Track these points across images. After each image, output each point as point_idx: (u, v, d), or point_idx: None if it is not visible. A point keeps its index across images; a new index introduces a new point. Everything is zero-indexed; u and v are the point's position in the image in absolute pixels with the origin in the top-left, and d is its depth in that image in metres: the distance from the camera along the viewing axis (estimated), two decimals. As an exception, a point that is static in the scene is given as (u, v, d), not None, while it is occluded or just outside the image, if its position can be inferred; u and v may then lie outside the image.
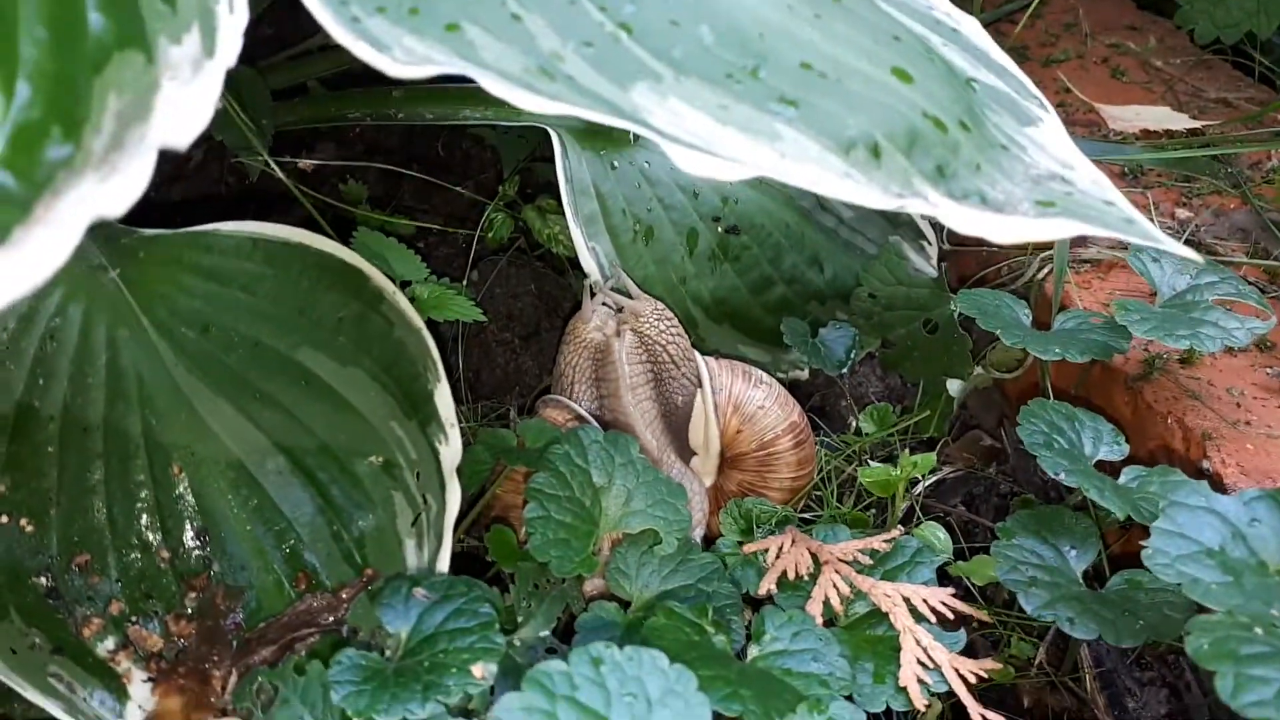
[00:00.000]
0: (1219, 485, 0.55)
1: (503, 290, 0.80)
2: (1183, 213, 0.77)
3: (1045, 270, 0.70)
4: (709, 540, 0.63)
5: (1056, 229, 0.37)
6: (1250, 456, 0.56)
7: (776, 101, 0.38)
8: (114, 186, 0.29)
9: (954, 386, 0.70)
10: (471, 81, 0.35)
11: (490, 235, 0.78)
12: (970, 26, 0.46)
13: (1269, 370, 0.62)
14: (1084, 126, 0.88)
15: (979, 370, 0.70)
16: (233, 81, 0.76)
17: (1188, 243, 0.73)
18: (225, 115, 0.78)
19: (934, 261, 0.77)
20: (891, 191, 0.37)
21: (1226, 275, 0.58)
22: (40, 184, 0.28)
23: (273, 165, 0.67)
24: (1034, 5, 1.01)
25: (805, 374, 0.75)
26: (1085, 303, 0.67)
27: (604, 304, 0.65)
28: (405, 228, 0.83)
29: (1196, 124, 0.85)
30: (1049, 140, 0.42)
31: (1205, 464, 0.56)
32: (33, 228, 0.27)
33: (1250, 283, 0.69)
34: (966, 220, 0.36)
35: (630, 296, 0.66)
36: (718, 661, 0.43)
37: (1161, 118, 0.86)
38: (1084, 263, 0.72)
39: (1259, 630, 0.37)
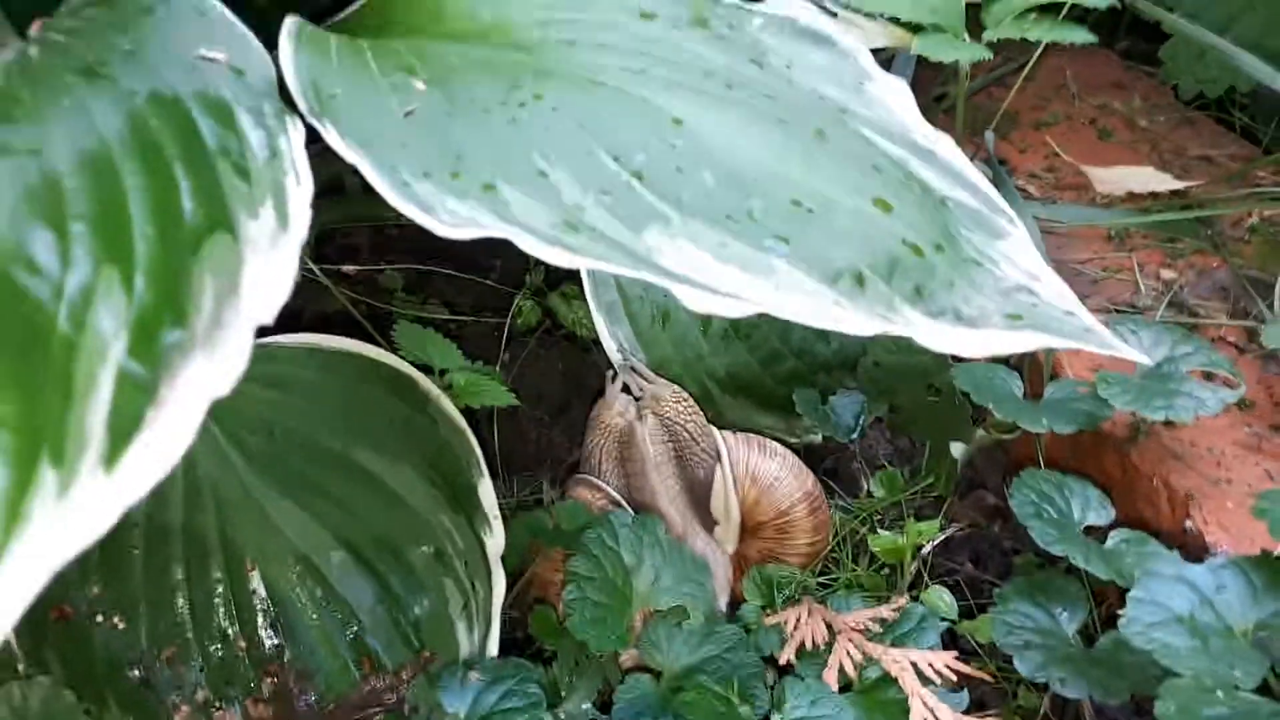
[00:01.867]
0: (1200, 543, 0.60)
1: (533, 370, 0.86)
2: (1167, 273, 0.81)
3: (1037, 338, 0.75)
4: (734, 603, 0.68)
5: (1024, 342, 0.42)
6: (1229, 515, 0.61)
7: (771, 238, 0.43)
8: (219, 363, 0.35)
9: (957, 449, 0.75)
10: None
11: (520, 321, 0.84)
12: (944, 147, 0.51)
13: (1248, 428, 0.67)
14: (1073, 190, 0.93)
15: (980, 433, 0.74)
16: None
17: (1172, 304, 0.78)
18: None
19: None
20: (876, 314, 0.42)
21: (1200, 346, 0.63)
22: (160, 368, 0.34)
23: (316, 271, 0.73)
24: (1027, 69, 1.06)
25: (819, 438, 0.81)
26: (1075, 370, 0.72)
27: (625, 390, 0.71)
28: (438, 316, 0.89)
29: (1179, 184, 0.90)
30: (1017, 253, 0.47)
31: (1188, 523, 0.61)
32: (161, 409, 0.33)
33: (1229, 342, 0.74)
34: (943, 338, 0.42)
35: (649, 380, 0.72)
36: (745, 730, 0.48)
37: (1145, 179, 0.91)
38: (1074, 328, 0.77)
39: (1220, 693, 0.42)
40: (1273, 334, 0.66)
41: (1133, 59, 1.15)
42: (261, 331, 0.65)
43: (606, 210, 0.43)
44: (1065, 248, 0.85)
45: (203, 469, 0.59)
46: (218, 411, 0.62)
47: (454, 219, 0.41)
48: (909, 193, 0.47)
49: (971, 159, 0.89)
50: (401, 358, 0.65)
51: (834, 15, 0.71)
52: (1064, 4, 0.69)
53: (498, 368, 0.82)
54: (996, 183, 0.83)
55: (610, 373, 0.71)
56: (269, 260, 0.40)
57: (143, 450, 0.32)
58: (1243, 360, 0.73)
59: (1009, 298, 0.45)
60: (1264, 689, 0.45)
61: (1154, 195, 0.90)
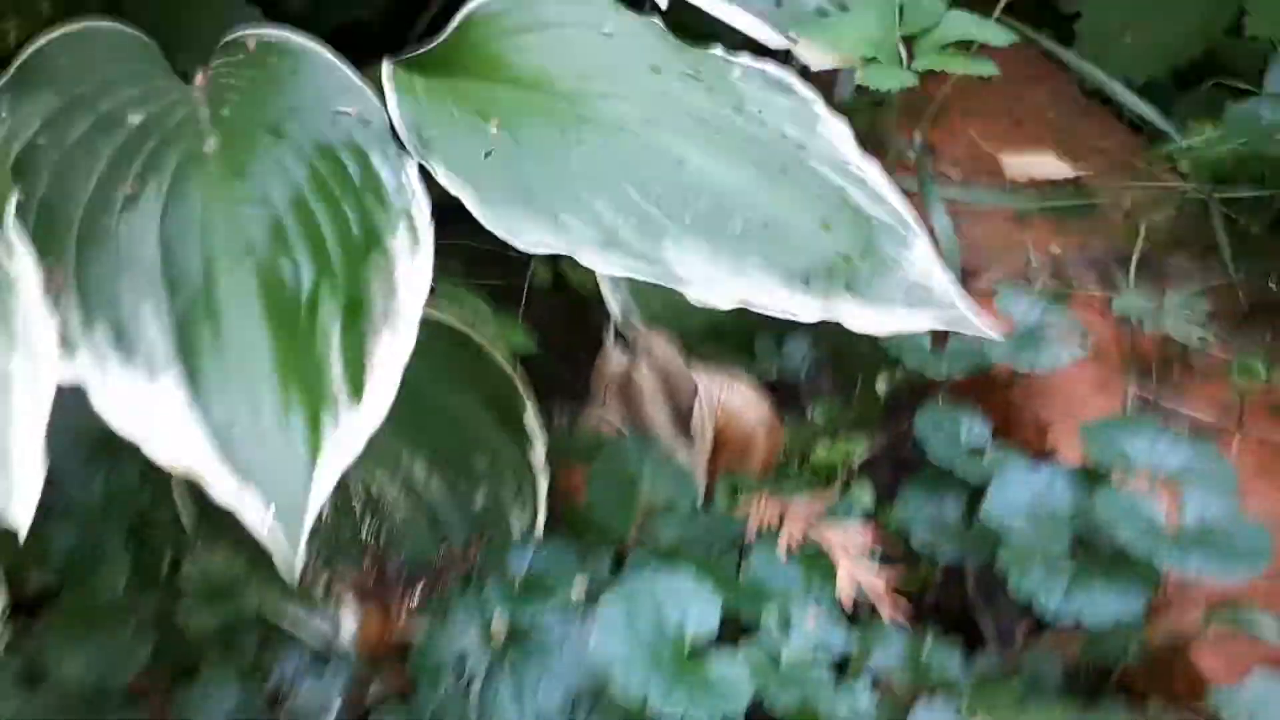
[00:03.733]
0: (1054, 458, 0.82)
1: (545, 323, 1.06)
2: (1054, 248, 1.03)
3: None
4: (707, 499, 0.89)
5: (919, 321, 0.63)
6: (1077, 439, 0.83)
7: (747, 250, 0.63)
8: (397, 338, 0.54)
9: (881, 384, 0.96)
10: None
11: (534, 281, 1.04)
12: (872, 174, 0.71)
13: (1098, 375, 0.89)
14: (990, 175, 1.13)
15: (899, 373, 0.96)
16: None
17: (1055, 275, 0.99)
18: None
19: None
20: (820, 305, 0.62)
21: (1063, 312, 0.84)
22: (364, 344, 0.54)
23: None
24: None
25: (775, 376, 1.02)
26: (974, 326, 0.93)
27: (621, 342, 0.92)
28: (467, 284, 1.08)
29: (1073, 172, 1.10)
30: (918, 258, 0.67)
31: (1048, 443, 0.83)
32: (372, 372, 0.52)
33: (1096, 307, 0.96)
34: (864, 320, 0.62)
35: (643, 333, 0.92)
36: (723, 581, 0.70)
37: (1046, 166, 1.11)
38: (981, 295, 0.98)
39: (1039, 554, 0.64)
40: (1121, 304, 0.88)
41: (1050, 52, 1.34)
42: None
43: (633, 230, 0.63)
44: (976, 225, 1.06)
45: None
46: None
47: (530, 240, 0.61)
48: (844, 214, 0.67)
49: (905, 150, 1.09)
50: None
51: (794, 42, 0.90)
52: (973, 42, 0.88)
53: (519, 321, 1.02)
54: (919, 174, 1.04)
55: (608, 330, 0.92)
56: (411, 267, 0.59)
57: (369, 396, 0.51)
58: (1104, 320, 0.94)
59: (910, 292, 0.65)
60: (1074, 551, 0.67)
61: (1052, 182, 1.11)
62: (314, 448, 0.50)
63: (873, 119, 1.13)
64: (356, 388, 0.52)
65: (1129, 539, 0.63)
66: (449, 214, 0.61)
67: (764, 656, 0.64)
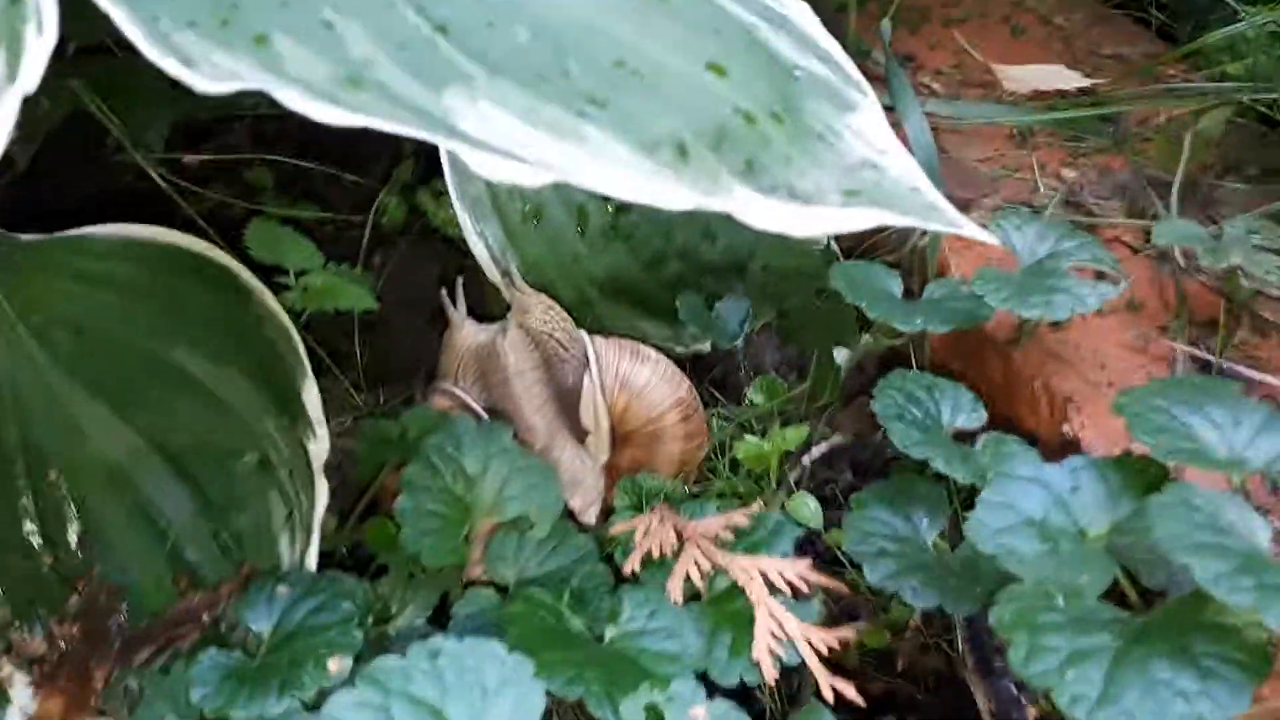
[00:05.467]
0: (1077, 448, 0.57)
1: (405, 274, 0.81)
2: (1068, 172, 0.78)
3: (926, 238, 0.71)
4: (607, 514, 0.64)
5: (858, 219, 0.38)
6: (1109, 419, 0.58)
7: (586, 102, 0.38)
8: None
9: (841, 355, 0.71)
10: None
11: (385, 220, 0.78)
12: (798, 12, 0.46)
13: (1134, 330, 0.64)
14: (979, 88, 0.89)
15: (866, 338, 0.71)
16: (125, 70, 0.76)
17: (1068, 203, 0.74)
18: (127, 107, 0.78)
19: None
20: (699, 189, 0.38)
21: (1084, 240, 0.59)
22: None
23: (143, 162, 0.67)
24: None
25: (707, 347, 0.77)
26: (963, 269, 0.68)
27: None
28: (309, 216, 0.83)
29: (1087, 82, 0.86)
30: (865, 126, 0.43)
31: (1066, 428, 0.58)
32: None
33: (1124, 243, 0.71)
34: (770, 215, 0.37)
35: (519, 288, 0.67)
36: (568, 645, 0.45)
37: (1053, 77, 0.87)
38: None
39: (1061, 600, 0.39)
40: (1163, 230, 0.63)
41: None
42: (73, 221, 0.59)
43: (401, 67, 0.38)
44: (966, 146, 0.81)
45: (2, 368, 0.54)
46: (20, 305, 0.57)
47: (215, 72, 0.36)
48: (751, 58, 0.42)
49: (871, 54, 0.84)
50: (250, 261, 0.59)
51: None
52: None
53: (362, 271, 0.77)
54: (889, 75, 0.79)
55: (444, 292, 0.67)
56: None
57: None
58: (1136, 261, 0.69)
59: (851, 174, 0.40)
60: (1115, 593, 0.42)
61: (1061, 93, 0.86)
62: None
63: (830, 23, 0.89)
64: None
65: (1212, 575, 0.38)
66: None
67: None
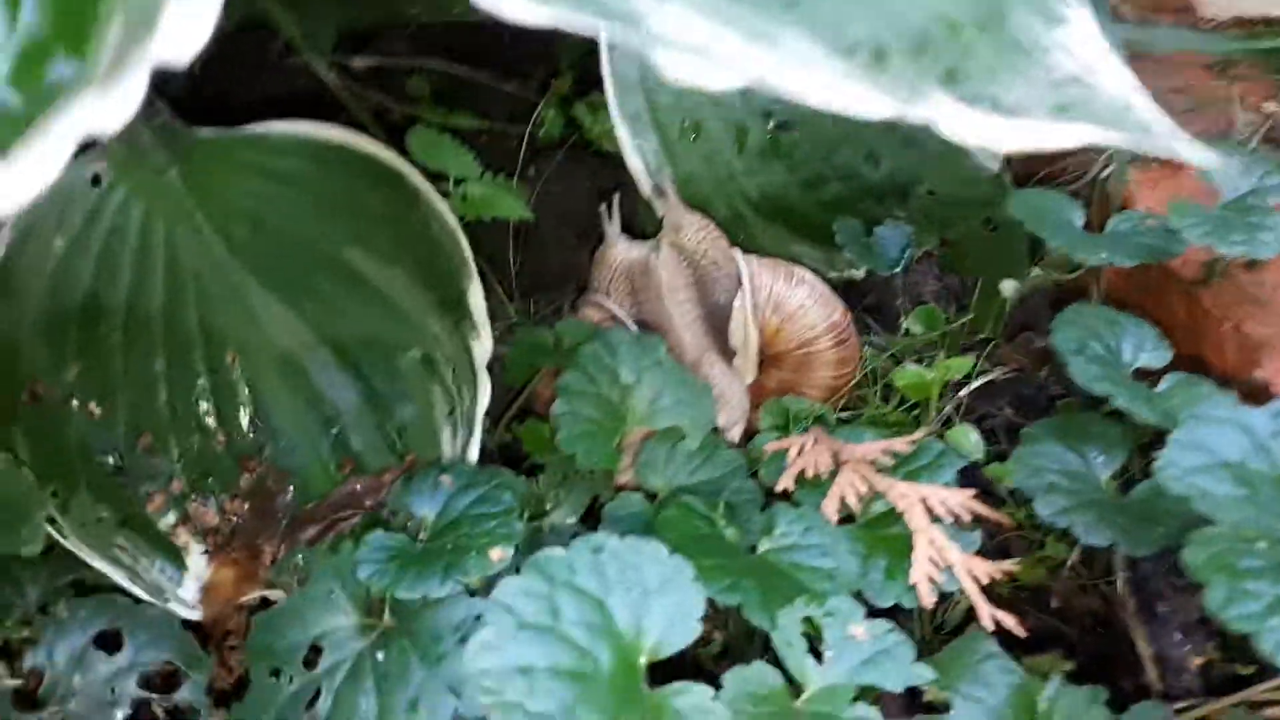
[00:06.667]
0: (1267, 397, 0.53)
1: (559, 188, 0.81)
2: (1271, 106, 0.72)
3: (1110, 168, 0.67)
4: (750, 436, 0.64)
5: (1068, 134, 0.36)
6: (1307, 366, 0.54)
7: (778, 2, 0.37)
8: (111, 104, 0.30)
9: (1008, 287, 0.68)
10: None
11: (542, 133, 0.78)
12: (1008, -90, 0.43)
13: (1340, 275, 0.59)
14: (1174, 13, 0.82)
15: (1036, 271, 0.68)
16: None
17: (1268, 139, 0.69)
18: (296, 12, 0.79)
19: (999, 158, 0.74)
20: (898, 96, 0.36)
21: (1293, 175, 0.55)
22: (42, 102, 0.30)
23: (315, 64, 0.68)
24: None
25: (861, 273, 0.74)
26: (1148, 202, 0.64)
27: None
28: (466, 125, 0.83)
29: (1300, 7, 0.79)
30: (1076, 41, 0.40)
31: (1258, 373, 0.55)
32: (31, 143, 0.29)
33: (1333, 182, 0.65)
34: (974, 126, 0.35)
35: (671, 205, 0.66)
36: (724, 553, 0.44)
37: (1261, 2, 0.80)
38: (1154, 160, 0.68)
39: (1262, 544, 0.36)
40: (1385, 168, 0.58)
41: None
42: (244, 120, 0.61)
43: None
44: (1157, 75, 0.76)
45: (185, 258, 0.56)
46: (202, 199, 0.59)
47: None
48: (955, -44, 0.40)
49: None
50: (415, 165, 0.60)
51: None
52: None
53: (516, 182, 0.77)
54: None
55: (603, 207, 0.67)
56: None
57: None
58: (1346, 203, 0.64)
59: (1059, 90, 0.38)
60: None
61: (1268, 22, 0.79)
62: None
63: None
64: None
65: None
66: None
67: (771, 696, 0.38)
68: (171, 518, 0.53)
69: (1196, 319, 0.59)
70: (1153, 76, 0.81)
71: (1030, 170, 0.76)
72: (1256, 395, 0.54)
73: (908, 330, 0.70)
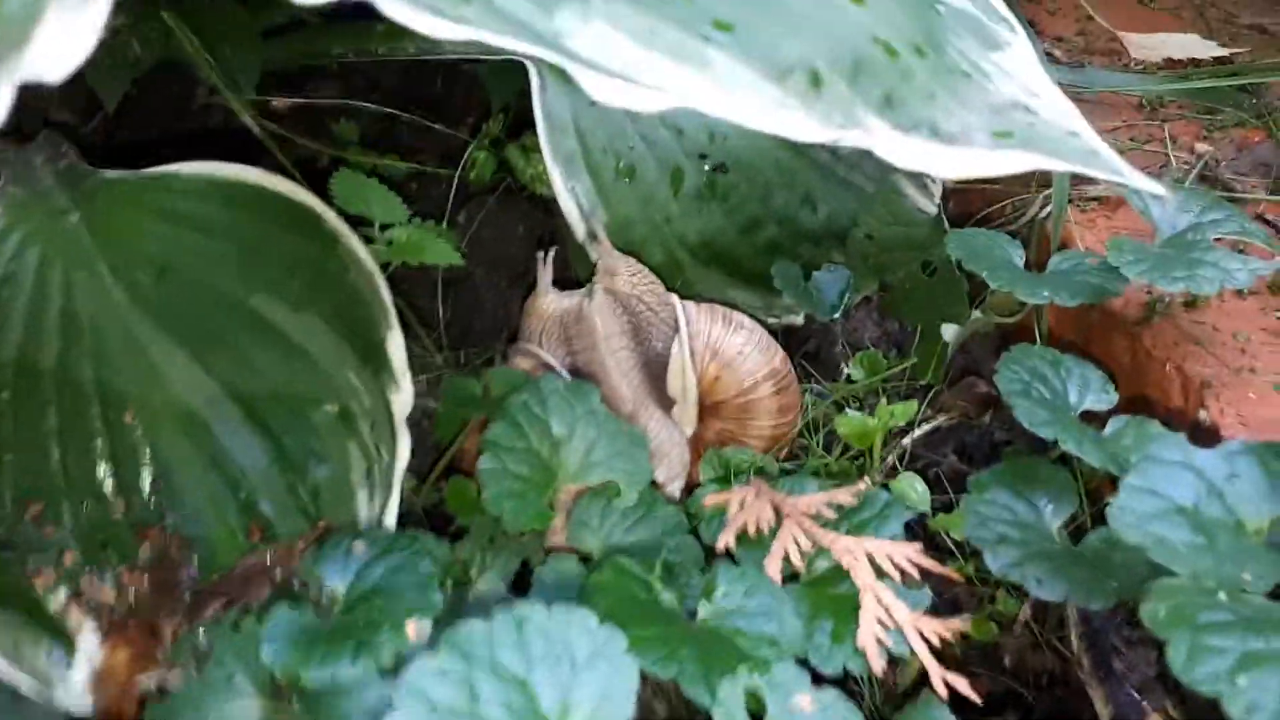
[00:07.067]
0: (1215, 436, 0.52)
1: (491, 232, 0.78)
2: (1202, 146, 0.72)
3: (1048, 209, 0.66)
4: (691, 489, 0.61)
5: (1011, 162, 0.34)
6: (1252, 406, 0.53)
7: (709, 25, 0.35)
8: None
9: (949, 331, 0.67)
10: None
11: (473, 175, 0.76)
12: (942, -57, 0.42)
13: (1279, 314, 0.58)
14: (1105, 55, 0.83)
15: (977, 314, 0.67)
16: (215, 16, 0.74)
17: (1203, 178, 0.69)
18: (216, 52, 0.76)
19: (936, 200, 0.73)
20: (832, 123, 0.34)
21: (1231, 213, 0.54)
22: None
23: (236, 107, 0.65)
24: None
25: (800, 319, 0.73)
26: (1087, 242, 0.63)
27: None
28: (396, 169, 0.80)
29: (1224, 52, 0.80)
30: (1016, 66, 0.38)
31: (1202, 414, 0.53)
32: None
33: (1267, 221, 0.65)
34: (911, 153, 0.34)
35: (606, 251, 0.64)
36: (660, 620, 0.41)
37: (1187, 45, 0.81)
38: (1091, 200, 0.68)
39: (1223, 596, 0.34)
40: (1319, 206, 0.57)
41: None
42: (158, 158, 0.58)
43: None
44: (1091, 116, 0.76)
45: (83, 307, 0.52)
46: (104, 243, 0.55)
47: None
48: (889, -15, 0.38)
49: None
50: (336, 209, 0.57)
51: None
52: None
53: (446, 227, 0.74)
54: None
55: (540, 255, 0.65)
56: (77, 15, 0.32)
57: None
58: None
59: (1001, 115, 0.36)
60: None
61: (1195, 63, 0.80)
62: None
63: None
64: None
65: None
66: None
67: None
68: (62, 594, 0.48)
69: (1139, 360, 0.58)
70: (1088, 117, 0.81)
71: (968, 211, 0.76)
72: (1204, 437, 0.53)
73: (849, 377, 0.69)
